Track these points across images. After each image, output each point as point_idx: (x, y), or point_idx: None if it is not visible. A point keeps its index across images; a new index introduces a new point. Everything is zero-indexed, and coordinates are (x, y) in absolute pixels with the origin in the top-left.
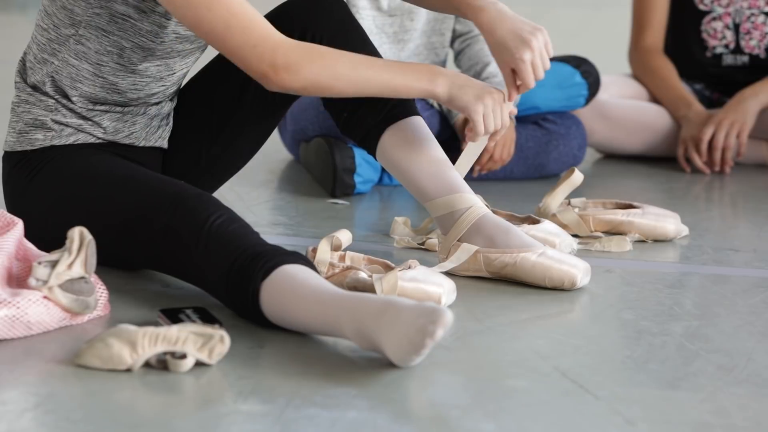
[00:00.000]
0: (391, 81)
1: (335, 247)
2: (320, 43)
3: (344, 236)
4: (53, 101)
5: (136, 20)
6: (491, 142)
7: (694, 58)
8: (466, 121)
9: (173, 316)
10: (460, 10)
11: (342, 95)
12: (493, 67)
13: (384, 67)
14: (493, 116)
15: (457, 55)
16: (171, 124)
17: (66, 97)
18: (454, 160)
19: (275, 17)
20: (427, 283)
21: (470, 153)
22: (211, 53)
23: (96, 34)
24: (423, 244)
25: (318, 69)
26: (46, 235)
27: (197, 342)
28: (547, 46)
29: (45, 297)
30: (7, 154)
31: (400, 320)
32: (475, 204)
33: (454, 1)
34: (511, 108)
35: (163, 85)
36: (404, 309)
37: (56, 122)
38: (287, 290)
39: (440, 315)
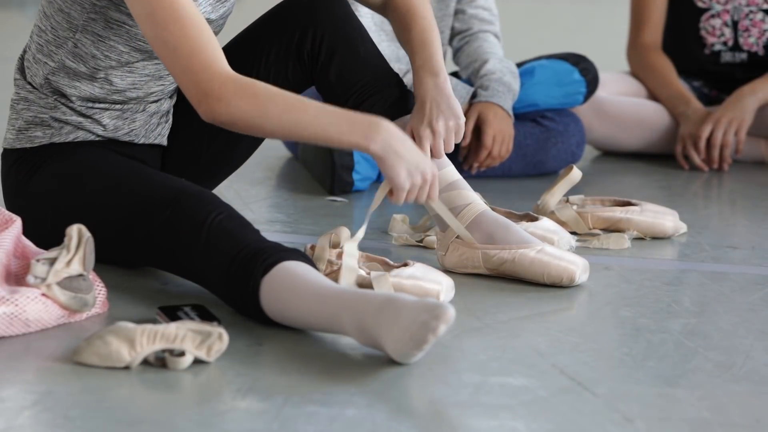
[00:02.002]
0: (324, 130)
1: (333, 245)
2: (320, 42)
3: (343, 234)
4: (52, 99)
5: (131, 26)
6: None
7: (692, 56)
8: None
9: (172, 314)
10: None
11: (271, 137)
12: (492, 65)
13: (320, 114)
14: (417, 194)
15: (456, 53)
16: (170, 121)
17: (64, 96)
18: (452, 158)
19: (276, 15)
20: (426, 281)
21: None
22: None
23: (93, 38)
24: (421, 241)
25: (248, 107)
26: (45, 233)
27: (196, 339)
28: (457, 132)
29: (43, 294)
30: (6, 152)
31: (402, 316)
32: (473, 201)
33: (413, 56)
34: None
35: (161, 84)
36: (406, 305)
37: (56, 120)
38: (287, 286)
39: (443, 310)
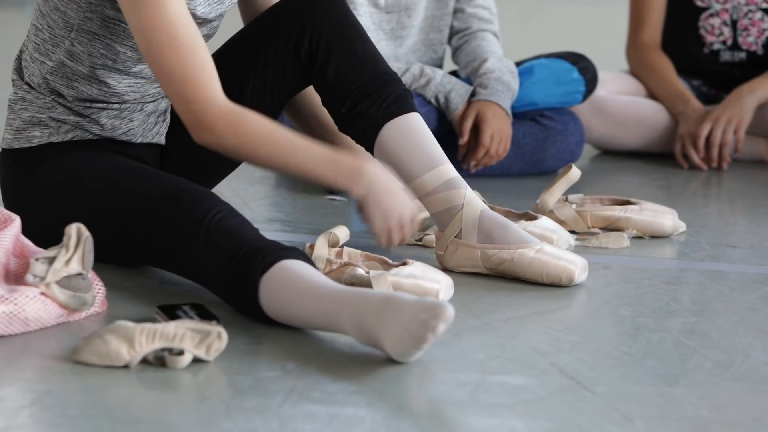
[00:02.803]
0: (311, 171)
1: (333, 244)
2: (318, 41)
3: (342, 232)
4: (50, 99)
5: (127, 25)
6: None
7: (691, 55)
8: (463, 116)
9: (171, 313)
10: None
11: (260, 168)
12: (491, 64)
13: (307, 157)
14: (395, 235)
15: (455, 52)
16: (168, 120)
17: (62, 96)
18: (451, 156)
19: (274, 15)
20: (425, 280)
21: None
22: None
23: (89, 37)
24: (420, 240)
25: (238, 143)
26: (44, 232)
27: (195, 338)
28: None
29: (42, 293)
30: (5, 151)
31: (402, 315)
32: (472, 200)
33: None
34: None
35: (157, 86)
36: (405, 304)
37: (54, 119)
38: (286, 285)
39: (442, 310)
